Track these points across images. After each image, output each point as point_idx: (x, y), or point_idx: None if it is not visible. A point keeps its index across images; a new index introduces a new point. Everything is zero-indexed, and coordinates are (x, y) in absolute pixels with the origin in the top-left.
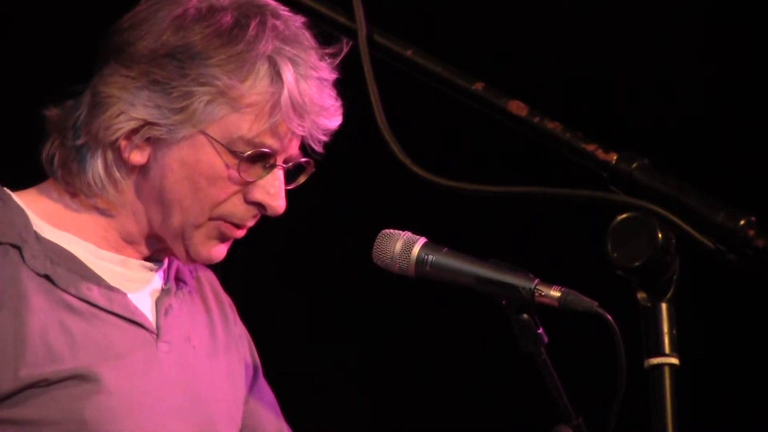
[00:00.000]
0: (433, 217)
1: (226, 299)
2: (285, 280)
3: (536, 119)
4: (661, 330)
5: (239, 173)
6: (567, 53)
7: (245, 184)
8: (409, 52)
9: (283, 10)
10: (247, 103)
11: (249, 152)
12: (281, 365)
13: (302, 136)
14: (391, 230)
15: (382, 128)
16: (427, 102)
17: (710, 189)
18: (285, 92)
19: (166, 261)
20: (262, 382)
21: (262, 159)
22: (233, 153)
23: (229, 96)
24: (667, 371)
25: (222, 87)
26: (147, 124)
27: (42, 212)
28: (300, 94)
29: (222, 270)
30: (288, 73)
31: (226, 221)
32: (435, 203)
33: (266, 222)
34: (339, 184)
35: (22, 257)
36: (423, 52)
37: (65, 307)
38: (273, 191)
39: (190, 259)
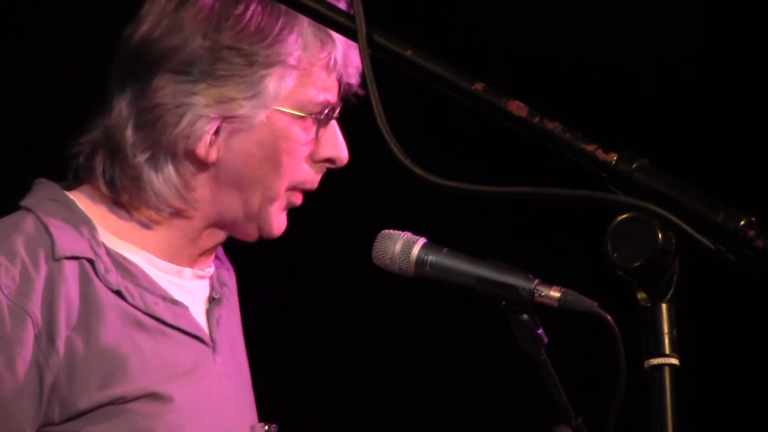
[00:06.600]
0: (433, 217)
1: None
2: (284, 280)
3: (536, 119)
4: (661, 330)
5: (315, 135)
6: (566, 53)
7: (316, 145)
8: (409, 52)
9: None
10: (310, 69)
11: (320, 112)
12: (280, 366)
13: (348, 82)
14: (391, 230)
15: (382, 128)
16: (427, 102)
17: (710, 189)
18: (338, 47)
19: (213, 267)
20: None
21: (327, 116)
22: (304, 118)
23: (295, 68)
24: (667, 371)
25: (288, 61)
26: (224, 120)
27: (102, 221)
28: (345, 44)
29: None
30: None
31: (298, 189)
32: (435, 203)
33: None
34: (339, 184)
35: (95, 271)
36: (423, 52)
37: (135, 324)
38: (338, 143)
39: (259, 235)
